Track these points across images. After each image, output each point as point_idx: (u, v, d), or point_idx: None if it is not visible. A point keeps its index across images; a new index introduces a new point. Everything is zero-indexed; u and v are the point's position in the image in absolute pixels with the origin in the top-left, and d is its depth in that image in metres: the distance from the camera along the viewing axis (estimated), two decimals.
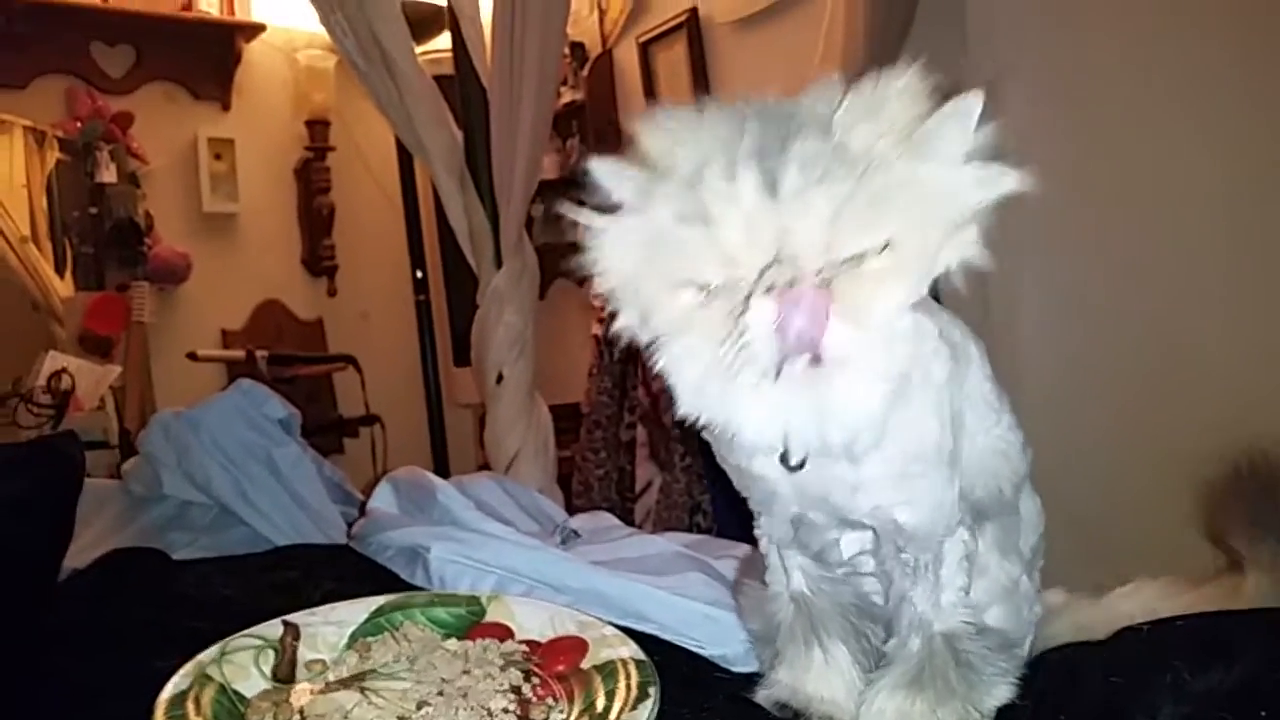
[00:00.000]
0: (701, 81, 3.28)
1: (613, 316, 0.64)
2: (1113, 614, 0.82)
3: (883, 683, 0.71)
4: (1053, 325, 2.40)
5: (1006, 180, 0.59)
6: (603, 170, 0.62)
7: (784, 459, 0.64)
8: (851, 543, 0.76)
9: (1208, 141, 2.02)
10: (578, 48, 3.69)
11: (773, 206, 0.56)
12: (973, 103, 0.58)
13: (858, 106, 0.58)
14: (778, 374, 0.57)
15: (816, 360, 0.57)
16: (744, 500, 0.76)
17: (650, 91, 3.49)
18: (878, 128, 0.57)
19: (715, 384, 0.59)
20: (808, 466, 0.64)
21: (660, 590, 0.97)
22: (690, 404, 0.61)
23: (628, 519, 2.22)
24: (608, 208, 0.63)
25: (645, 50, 3.49)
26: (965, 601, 0.70)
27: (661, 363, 0.62)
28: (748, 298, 0.57)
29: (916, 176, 0.57)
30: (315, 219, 4.09)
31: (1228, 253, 2.00)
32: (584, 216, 0.63)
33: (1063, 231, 2.33)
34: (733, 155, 0.57)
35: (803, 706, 0.76)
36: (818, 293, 0.56)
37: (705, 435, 0.67)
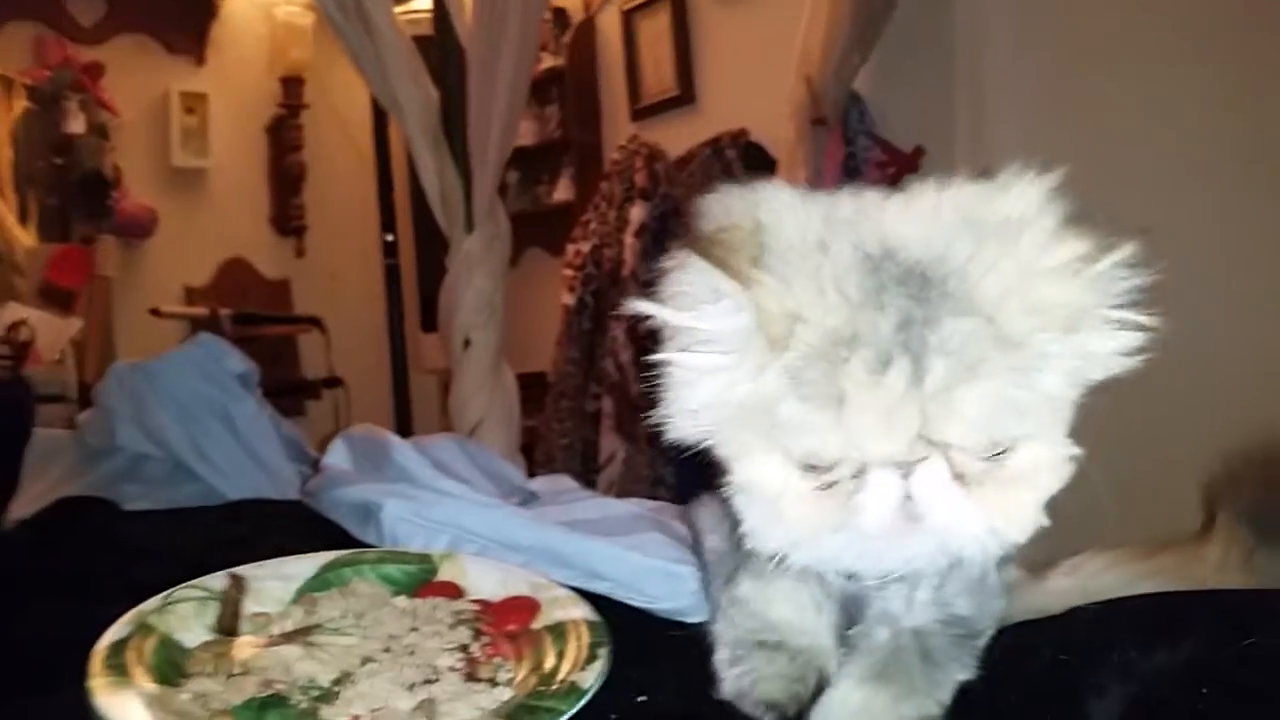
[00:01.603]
0: (683, 53, 3.26)
1: (656, 401, 0.59)
2: (1064, 589, 0.82)
3: (847, 671, 0.69)
4: None
5: (1146, 341, 0.54)
6: (708, 294, 0.55)
7: None
8: None
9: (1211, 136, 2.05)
10: (560, 13, 3.66)
11: (915, 396, 0.51)
12: (1123, 258, 0.52)
13: (1004, 276, 0.51)
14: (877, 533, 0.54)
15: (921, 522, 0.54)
16: (706, 476, 0.74)
17: (631, 61, 3.47)
18: (1035, 313, 0.51)
19: (803, 541, 0.56)
20: None
21: (615, 547, 0.95)
22: (766, 542, 0.58)
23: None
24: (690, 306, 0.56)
25: (628, 19, 3.47)
26: (937, 598, 0.69)
27: (736, 498, 0.58)
28: (860, 472, 0.53)
29: (1074, 366, 0.53)
30: (286, 177, 4.05)
31: (1229, 254, 2.04)
32: (666, 313, 0.56)
33: None
34: (876, 335, 0.51)
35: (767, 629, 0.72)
36: (946, 473, 0.52)
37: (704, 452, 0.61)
